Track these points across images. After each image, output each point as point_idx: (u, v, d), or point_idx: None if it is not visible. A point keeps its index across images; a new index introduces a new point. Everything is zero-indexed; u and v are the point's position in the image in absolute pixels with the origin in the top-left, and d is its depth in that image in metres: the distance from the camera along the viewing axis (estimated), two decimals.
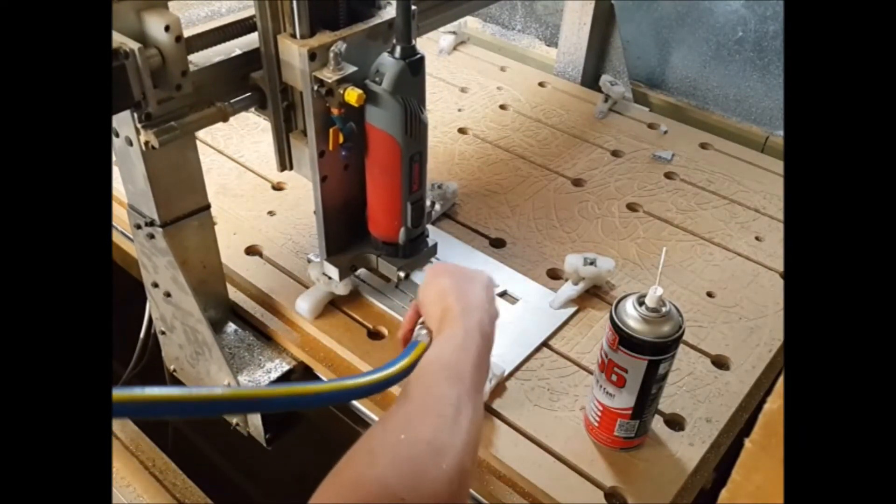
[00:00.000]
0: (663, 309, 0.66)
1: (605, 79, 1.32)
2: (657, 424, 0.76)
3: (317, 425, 0.95)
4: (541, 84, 1.37)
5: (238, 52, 0.71)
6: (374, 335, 0.86)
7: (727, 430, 0.77)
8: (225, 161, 1.15)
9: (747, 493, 0.39)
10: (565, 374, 0.82)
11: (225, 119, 0.69)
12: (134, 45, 0.59)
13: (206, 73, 0.68)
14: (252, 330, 0.90)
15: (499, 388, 0.80)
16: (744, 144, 1.23)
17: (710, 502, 0.72)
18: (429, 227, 0.84)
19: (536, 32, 1.53)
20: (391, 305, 0.89)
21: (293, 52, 0.67)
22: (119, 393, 0.43)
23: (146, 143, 0.65)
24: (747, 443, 0.37)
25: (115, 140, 0.69)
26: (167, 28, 0.60)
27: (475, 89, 1.36)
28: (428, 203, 0.81)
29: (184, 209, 0.75)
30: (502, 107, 1.31)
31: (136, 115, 0.64)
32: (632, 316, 0.66)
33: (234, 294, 0.91)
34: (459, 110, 1.29)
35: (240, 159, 1.15)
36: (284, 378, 0.85)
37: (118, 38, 0.59)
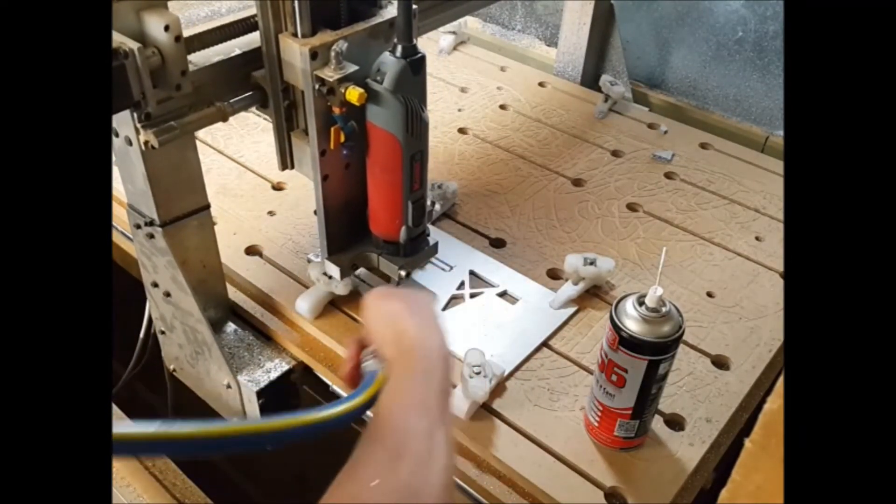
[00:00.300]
0: (663, 309, 0.66)
1: (604, 79, 1.32)
2: (657, 424, 0.76)
3: None
4: (541, 84, 1.37)
5: (238, 51, 0.71)
6: None
7: (727, 430, 0.77)
8: (225, 161, 1.15)
9: (747, 493, 0.39)
10: (565, 374, 0.82)
11: (224, 119, 0.69)
12: (133, 45, 0.59)
13: (206, 72, 0.69)
14: (252, 330, 0.90)
15: (499, 388, 0.80)
16: (744, 144, 1.23)
17: (710, 502, 0.72)
18: (429, 226, 0.84)
19: (536, 32, 1.53)
20: None
21: (294, 51, 0.67)
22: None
23: (146, 142, 0.65)
24: (747, 443, 0.37)
25: (114, 140, 0.69)
26: (167, 28, 0.60)
27: (475, 89, 1.35)
28: (428, 203, 0.81)
29: (183, 209, 0.75)
30: (502, 107, 1.31)
31: (135, 114, 0.64)
32: (632, 316, 0.66)
33: (233, 294, 0.91)
34: (459, 110, 1.29)
35: (240, 159, 1.15)
36: (284, 377, 0.85)
37: (118, 38, 0.59)
